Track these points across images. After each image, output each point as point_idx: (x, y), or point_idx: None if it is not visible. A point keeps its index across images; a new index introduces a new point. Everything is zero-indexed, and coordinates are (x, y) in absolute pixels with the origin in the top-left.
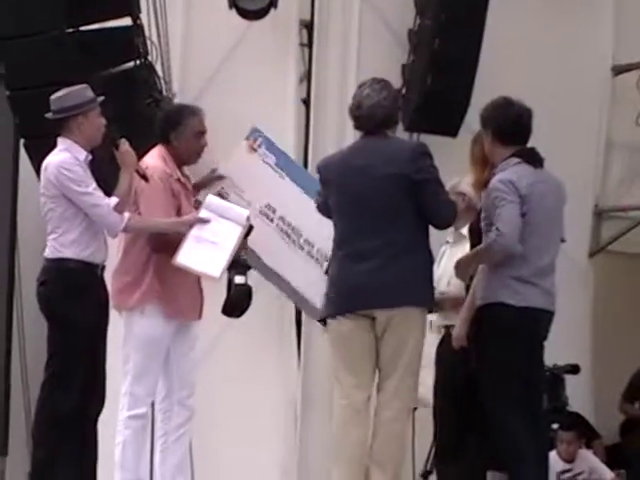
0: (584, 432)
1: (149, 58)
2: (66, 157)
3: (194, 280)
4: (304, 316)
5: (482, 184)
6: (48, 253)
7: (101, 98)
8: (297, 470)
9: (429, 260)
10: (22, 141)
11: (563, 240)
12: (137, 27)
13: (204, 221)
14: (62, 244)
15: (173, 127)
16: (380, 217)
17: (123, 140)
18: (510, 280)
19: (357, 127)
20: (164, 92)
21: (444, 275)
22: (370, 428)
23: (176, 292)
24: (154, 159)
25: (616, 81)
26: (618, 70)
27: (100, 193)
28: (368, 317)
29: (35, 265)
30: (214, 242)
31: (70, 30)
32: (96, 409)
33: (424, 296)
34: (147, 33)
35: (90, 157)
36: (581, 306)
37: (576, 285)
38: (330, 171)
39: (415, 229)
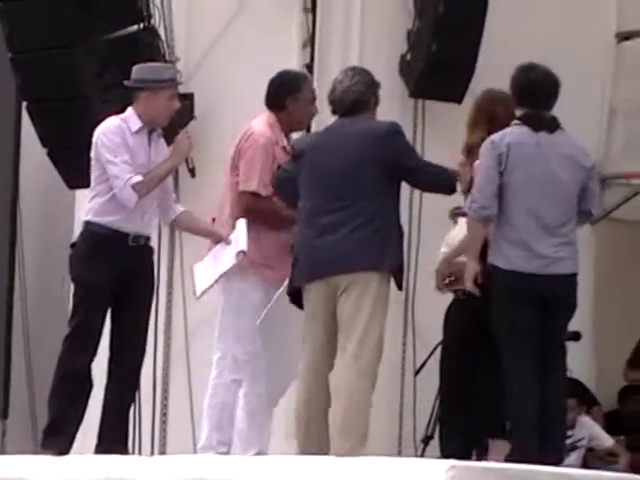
0: (584, 399)
1: (152, 22)
2: (113, 124)
3: (287, 248)
4: None
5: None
6: (83, 215)
7: (179, 82)
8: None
9: (394, 231)
10: (24, 104)
11: (588, 212)
12: None
13: (228, 243)
14: (92, 207)
15: (291, 93)
16: (346, 192)
17: (185, 130)
18: (500, 242)
19: (332, 112)
20: (167, 56)
21: (456, 238)
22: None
23: (270, 261)
24: (261, 125)
25: (620, 48)
26: (622, 37)
27: (126, 166)
28: (330, 286)
29: (36, 223)
30: (217, 263)
31: None
32: (129, 362)
33: (379, 261)
34: None
35: (158, 132)
36: (583, 273)
37: (578, 252)
38: (303, 146)
39: (380, 203)
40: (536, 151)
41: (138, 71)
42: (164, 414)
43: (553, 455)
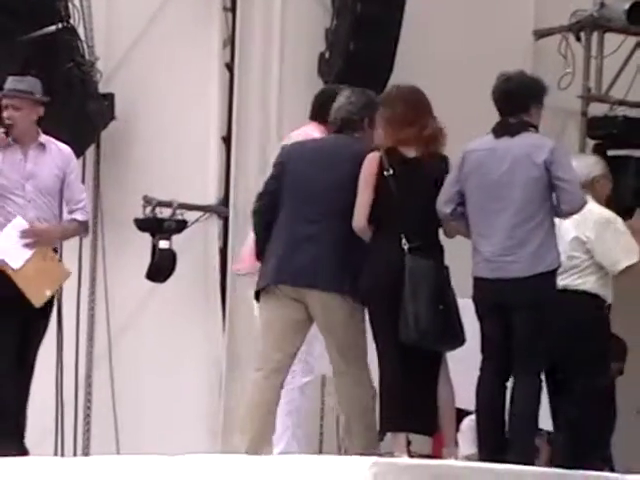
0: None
1: (71, 22)
2: None
3: None
4: (229, 279)
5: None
6: None
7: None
8: (223, 426)
9: (360, 251)
10: None
11: (559, 211)
12: None
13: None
14: None
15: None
16: (324, 206)
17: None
18: (473, 250)
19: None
20: (87, 56)
21: None
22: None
23: None
24: (317, 133)
25: (538, 45)
26: (540, 34)
27: None
28: (293, 295)
29: None
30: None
31: None
32: None
33: (342, 283)
34: None
35: (37, 144)
36: None
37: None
38: (287, 156)
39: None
40: (489, 157)
41: None
42: (87, 414)
43: (516, 459)
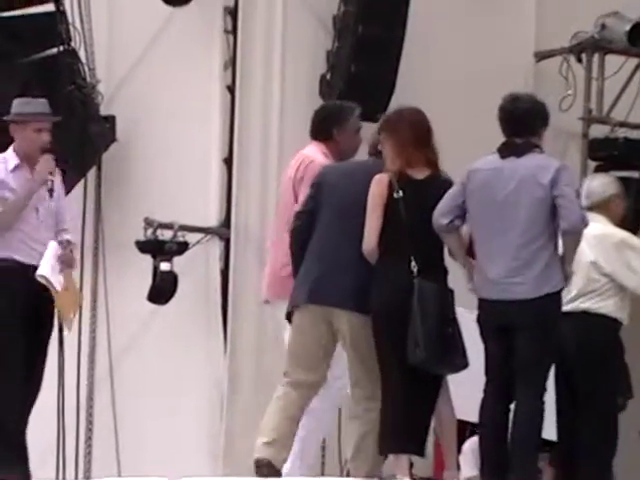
0: None
1: (72, 44)
2: None
3: None
4: (230, 301)
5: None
6: None
7: (45, 116)
8: (224, 448)
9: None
10: None
11: (561, 230)
12: (60, 13)
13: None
14: None
15: (338, 123)
16: (349, 228)
17: (49, 155)
18: (476, 270)
19: None
20: (88, 79)
21: None
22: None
23: None
24: (318, 155)
25: (539, 67)
26: (541, 56)
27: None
28: (327, 318)
29: None
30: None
31: None
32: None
33: (365, 303)
34: (70, 19)
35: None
36: None
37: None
38: (325, 175)
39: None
40: (495, 176)
41: (13, 105)
42: (89, 437)
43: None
